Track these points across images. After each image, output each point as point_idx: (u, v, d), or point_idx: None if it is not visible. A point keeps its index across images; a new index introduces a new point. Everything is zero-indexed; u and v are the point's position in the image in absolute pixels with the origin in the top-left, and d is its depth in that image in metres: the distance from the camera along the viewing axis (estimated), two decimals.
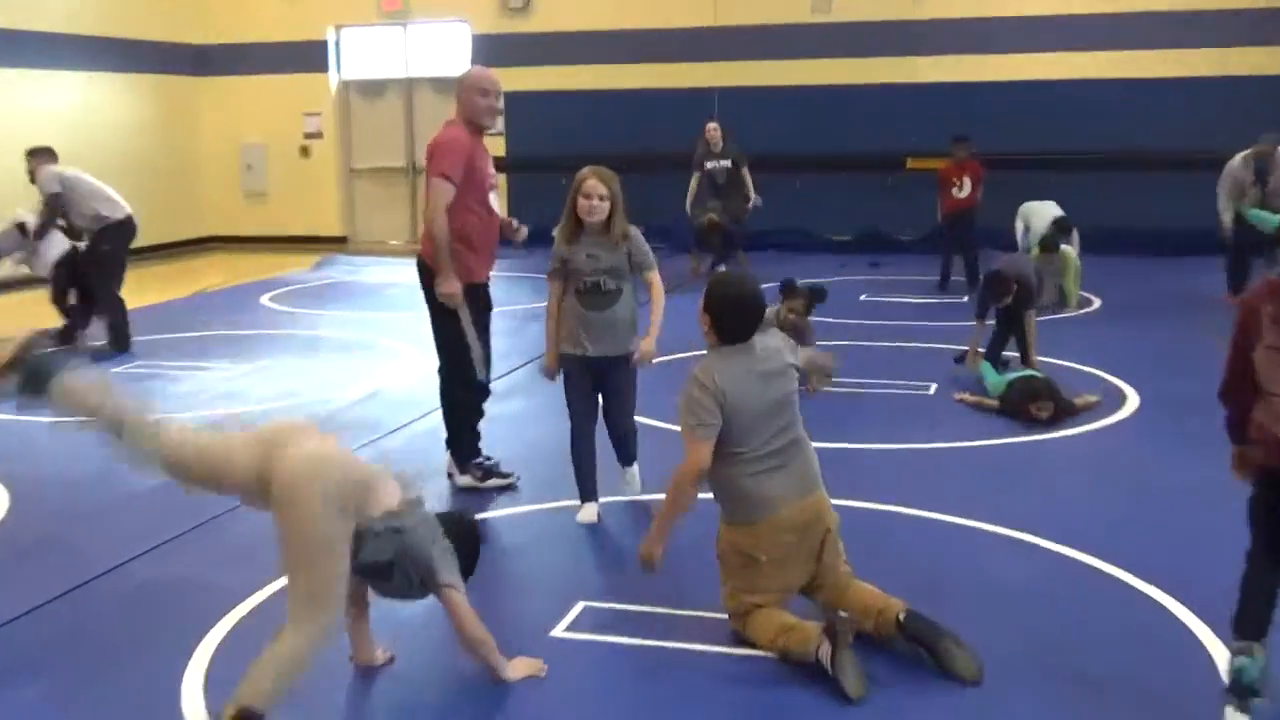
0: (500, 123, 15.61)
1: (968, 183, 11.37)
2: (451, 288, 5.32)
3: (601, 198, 4.97)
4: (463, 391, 5.65)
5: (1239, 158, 10.51)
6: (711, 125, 12.31)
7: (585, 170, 5.02)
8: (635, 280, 5.15)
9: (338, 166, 16.92)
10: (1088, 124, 13.80)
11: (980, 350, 7.88)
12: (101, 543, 5.14)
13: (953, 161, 11.51)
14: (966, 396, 7.30)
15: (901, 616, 3.77)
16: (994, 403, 7.11)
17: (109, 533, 5.29)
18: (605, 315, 5.05)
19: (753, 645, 3.90)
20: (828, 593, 3.96)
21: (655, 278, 5.16)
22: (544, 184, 15.46)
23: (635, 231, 5.08)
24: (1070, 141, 12.62)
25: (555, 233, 5.09)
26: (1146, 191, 13.84)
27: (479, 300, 5.56)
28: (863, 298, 11.59)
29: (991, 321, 7.97)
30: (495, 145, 15.63)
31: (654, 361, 5.17)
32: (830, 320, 10.00)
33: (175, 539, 5.21)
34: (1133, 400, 7.38)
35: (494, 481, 5.76)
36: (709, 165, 12.23)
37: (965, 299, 11.18)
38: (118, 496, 5.72)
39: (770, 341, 4.04)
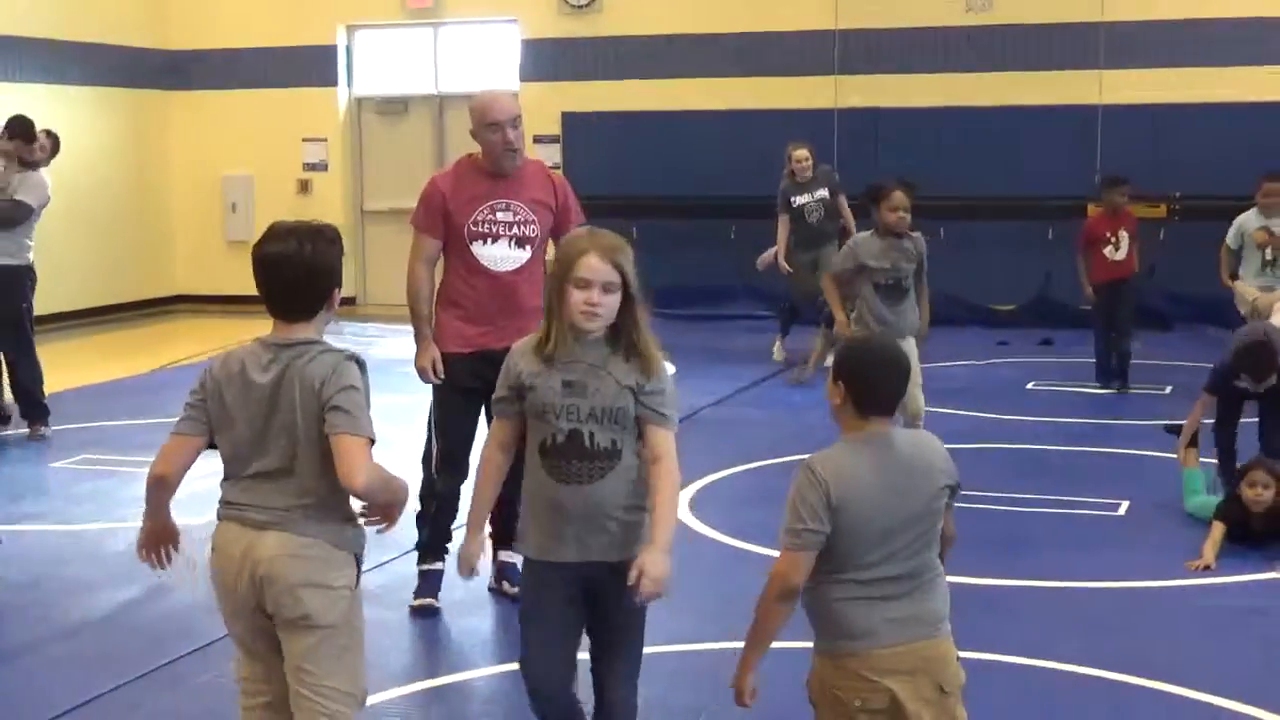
0: (555, 153, 16.13)
1: (1124, 239, 11.11)
2: (421, 360, 5.87)
3: (608, 288, 3.68)
4: (427, 477, 6.16)
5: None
6: (800, 153, 12.18)
7: (579, 236, 3.86)
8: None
9: (346, 207, 17.10)
10: None
11: (1195, 449, 7.71)
12: (34, 695, 5.23)
13: (1104, 211, 11.37)
14: (1202, 561, 6.84)
15: None
16: (1214, 527, 7.00)
17: (46, 679, 5.40)
18: (587, 495, 3.76)
19: None
20: None
21: (667, 444, 3.84)
22: (610, 230, 15.80)
23: (659, 353, 3.84)
24: None
25: (517, 345, 3.92)
26: None
27: (477, 375, 5.65)
28: (1030, 385, 11.67)
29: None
30: None
31: (663, 593, 3.79)
32: (985, 415, 10.02)
33: (135, 680, 5.35)
34: None
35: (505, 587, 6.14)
36: (797, 200, 12.08)
37: (1168, 390, 11.16)
38: (62, 628, 5.95)
39: (924, 440, 4.06)
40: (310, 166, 17.26)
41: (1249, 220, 10.32)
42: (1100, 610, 6.18)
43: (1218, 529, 6.92)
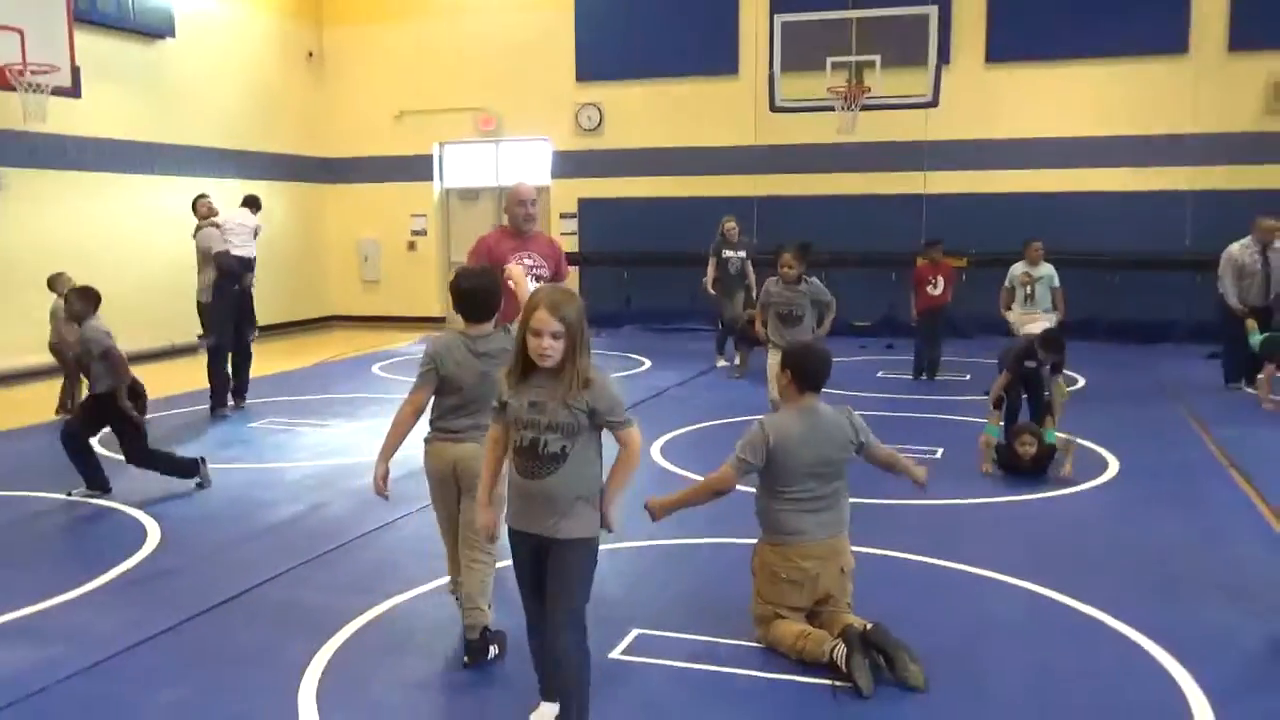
0: (574, 224, 16.03)
1: (941, 281, 10.90)
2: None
3: (555, 335, 3.22)
4: None
5: (1237, 245, 10.06)
6: (730, 223, 11.80)
7: (538, 293, 3.29)
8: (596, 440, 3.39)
9: (439, 258, 17.07)
10: (1074, 228, 13.71)
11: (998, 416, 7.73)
12: (237, 570, 5.20)
13: (928, 262, 11.06)
14: (987, 467, 7.10)
15: (869, 627, 3.82)
16: (990, 451, 7.09)
17: (244, 561, 5.35)
18: (541, 486, 3.31)
19: (774, 648, 4.02)
20: (825, 617, 4.06)
21: (630, 436, 3.36)
22: (611, 275, 15.87)
23: (602, 378, 3.30)
24: (1060, 243, 12.38)
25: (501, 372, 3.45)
26: (1120, 287, 13.86)
27: None
28: (880, 374, 11.56)
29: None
30: (570, 243, 16.04)
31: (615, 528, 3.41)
32: (851, 393, 9.98)
33: (301, 565, 5.29)
34: (1113, 466, 7.31)
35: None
36: (725, 254, 11.66)
37: (968, 377, 11.08)
38: (253, 529, 5.88)
39: (840, 418, 4.12)
40: (416, 233, 17.19)
41: (1017, 268, 10.32)
42: (926, 519, 6.12)
43: (988, 453, 7.09)
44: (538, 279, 5.85)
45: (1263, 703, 3.74)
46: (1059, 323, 9.80)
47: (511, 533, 3.40)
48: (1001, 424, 7.41)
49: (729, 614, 4.34)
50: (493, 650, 4.01)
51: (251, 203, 10.00)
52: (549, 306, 3.21)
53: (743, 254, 11.79)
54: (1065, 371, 9.91)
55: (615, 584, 4.96)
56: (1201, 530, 5.76)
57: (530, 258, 5.82)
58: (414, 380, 4.10)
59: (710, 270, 11.84)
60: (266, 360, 9.58)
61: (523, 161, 16.75)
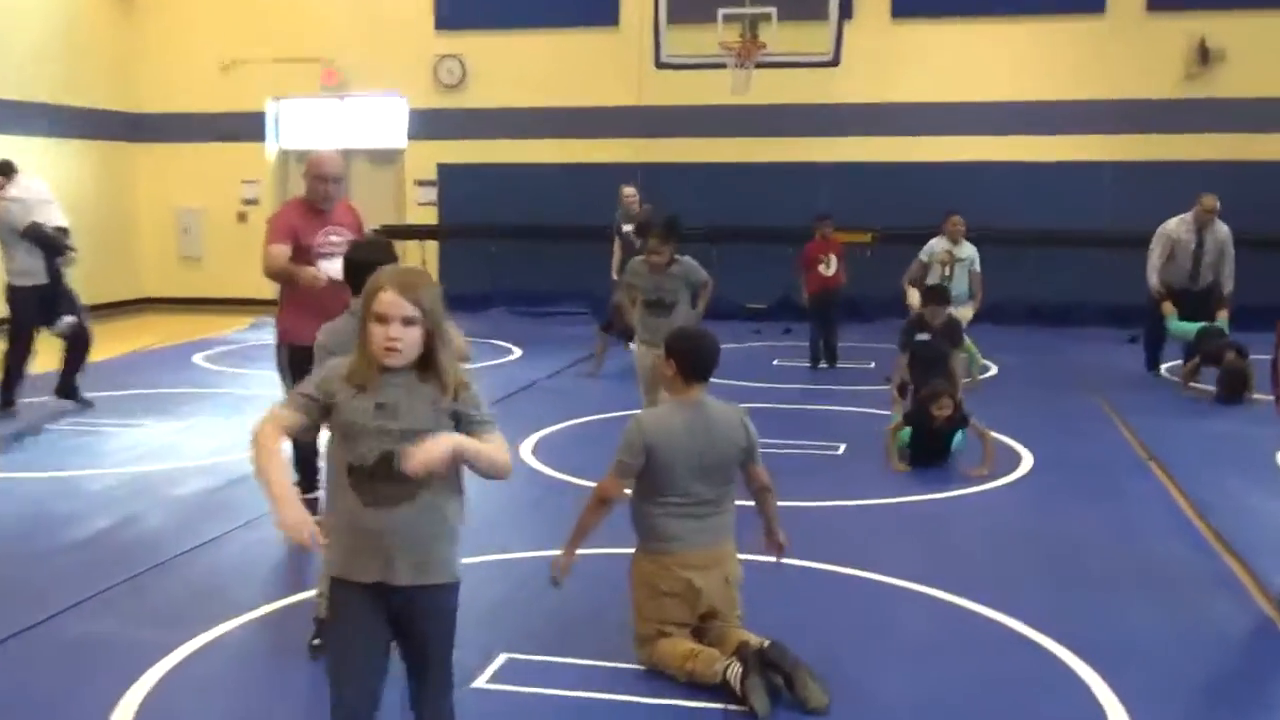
0: (433, 194, 15.93)
1: (834, 260, 10.97)
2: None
3: (408, 321, 2.83)
4: None
5: (1175, 220, 10.27)
6: (629, 190, 11.72)
7: (380, 272, 2.91)
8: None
9: None
10: (985, 202, 13.91)
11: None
12: (22, 600, 4.96)
13: (819, 238, 11.08)
14: (896, 467, 7.28)
15: (766, 644, 3.86)
16: (897, 444, 7.34)
17: (33, 588, 5.12)
18: (392, 518, 2.88)
19: (660, 669, 4.03)
20: (715, 634, 4.10)
21: (501, 441, 2.98)
22: (476, 251, 15.68)
23: (469, 376, 2.99)
24: (969, 218, 12.69)
25: (335, 362, 2.99)
26: (1035, 266, 14.30)
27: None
28: (775, 362, 11.70)
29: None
30: (428, 215, 15.90)
31: (430, 460, 2.80)
32: (745, 384, 10.08)
33: (105, 591, 5.09)
34: (1027, 461, 7.52)
35: None
36: (627, 228, 11.49)
37: (872, 365, 11.29)
38: (47, 549, 5.67)
39: (733, 417, 4.15)
40: (247, 201, 16.76)
41: (938, 245, 10.51)
42: (825, 522, 6.23)
43: (896, 440, 7.30)
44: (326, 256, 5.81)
45: (1182, 710, 3.91)
46: (974, 312, 10.08)
47: (340, 586, 2.92)
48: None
49: (608, 633, 4.35)
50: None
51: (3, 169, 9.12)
52: (398, 287, 2.81)
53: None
54: (982, 360, 10.34)
55: (478, 602, 4.89)
56: (1118, 527, 5.95)
57: (337, 233, 5.82)
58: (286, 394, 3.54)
59: (616, 252, 11.54)
60: (60, 349, 9.15)
61: (373, 120, 16.54)
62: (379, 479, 2.84)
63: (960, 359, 8.19)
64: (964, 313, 9.74)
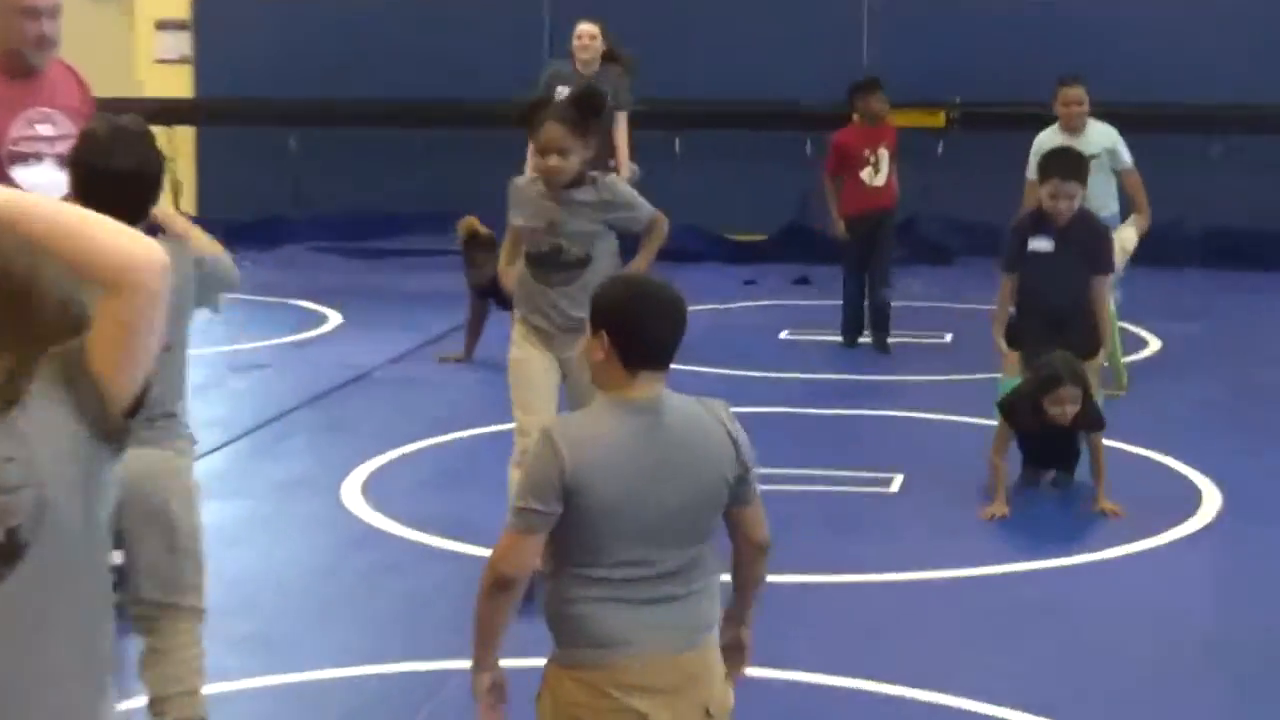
0: (185, 44, 16.01)
1: (884, 160, 11.10)
2: None
3: None
4: None
5: None
6: (586, 30, 11.32)
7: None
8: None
9: None
10: (1131, 66, 13.94)
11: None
12: None
13: (859, 123, 11.30)
14: (995, 509, 7.38)
15: None
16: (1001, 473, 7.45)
17: None
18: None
19: None
20: None
21: None
22: (263, 143, 15.65)
23: None
24: (1109, 93, 11.71)
25: None
26: (1216, 172, 14.40)
27: None
28: (784, 335, 11.85)
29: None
30: (177, 79, 16.04)
31: None
32: (732, 373, 10.11)
33: None
34: (1211, 500, 7.59)
35: None
36: (562, 91, 10.33)
37: (948, 338, 11.35)
38: None
39: (706, 411, 4.07)
40: None
41: (1049, 141, 10.18)
42: (872, 607, 6.35)
43: (1000, 468, 7.43)
44: (62, 162, 5.47)
45: None
46: (1138, 235, 9.97)
47: None
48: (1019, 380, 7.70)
49: None
50: None
51: None
52: None
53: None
54: (1122, 323, 10.25)
55: None
56: None
57: (49, 122, 5.86)
58: None
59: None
60: None
61: None
62: None
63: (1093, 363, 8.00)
64: (1122, 237, 9.64)
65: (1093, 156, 10.25)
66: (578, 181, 6.64)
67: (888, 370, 10.77)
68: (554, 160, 6.53)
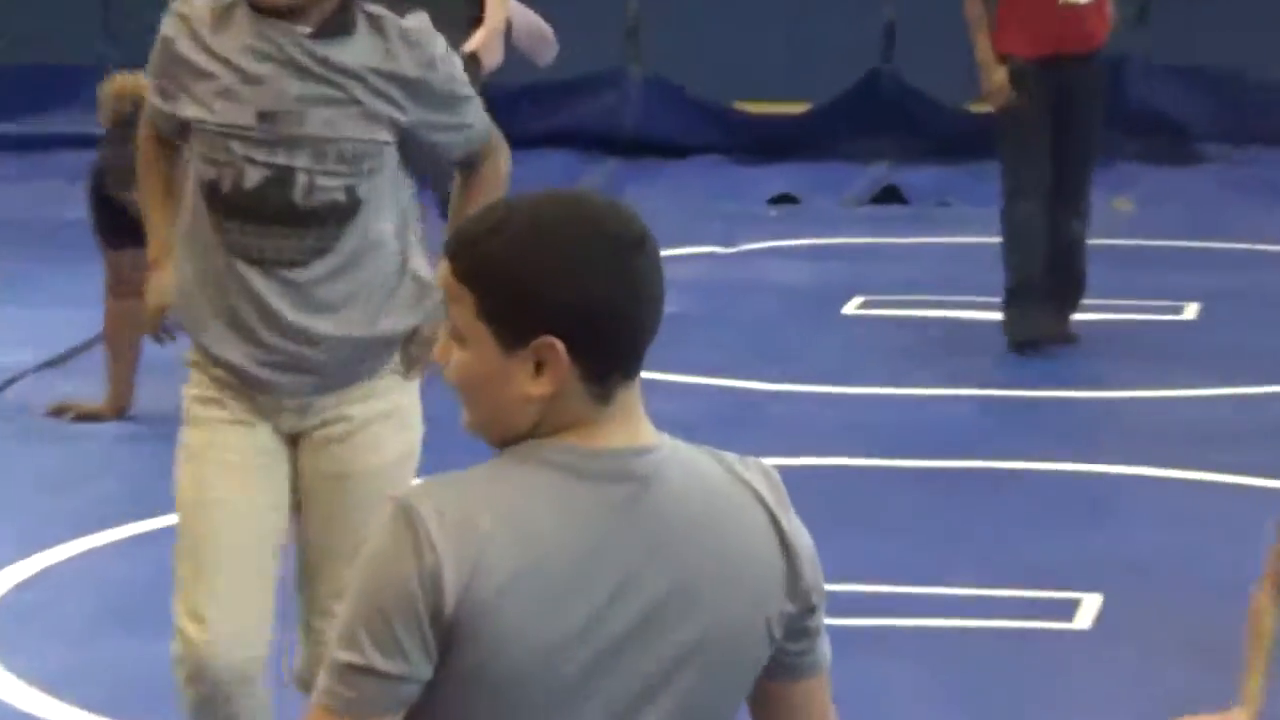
0: None
1: None
2: None
3: None
4: None
5: None
6: None
7: None
8: None
9: None
10: None
11: None
12: None
13: None
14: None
15: None
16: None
17: None
18: None
19: None
20: None
21: None
22: None
23: None
24: None
25: None
26: None
27: None
28: (854, 306, 9.40)
29: None
30: None
31: None
32: (755, 385, 8.20)
33: None
34: None
35: None
36: None
37: (1191, 311, 9.25)
38: None
39: (724, 488, 2.17)
40: None
41: None
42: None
43: (1266, 634, 5.48)
44: None
45: None
46: None
47: None
48: None
49: None
50: None
51: None
52: None
53: None
54: None
55: None
56: None
57: None
58: None
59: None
60: None
61: None
62: None
63: None
64: None
65: None
66: (338, 20, 4.10)
67: (1081, 381, 8.37)
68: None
